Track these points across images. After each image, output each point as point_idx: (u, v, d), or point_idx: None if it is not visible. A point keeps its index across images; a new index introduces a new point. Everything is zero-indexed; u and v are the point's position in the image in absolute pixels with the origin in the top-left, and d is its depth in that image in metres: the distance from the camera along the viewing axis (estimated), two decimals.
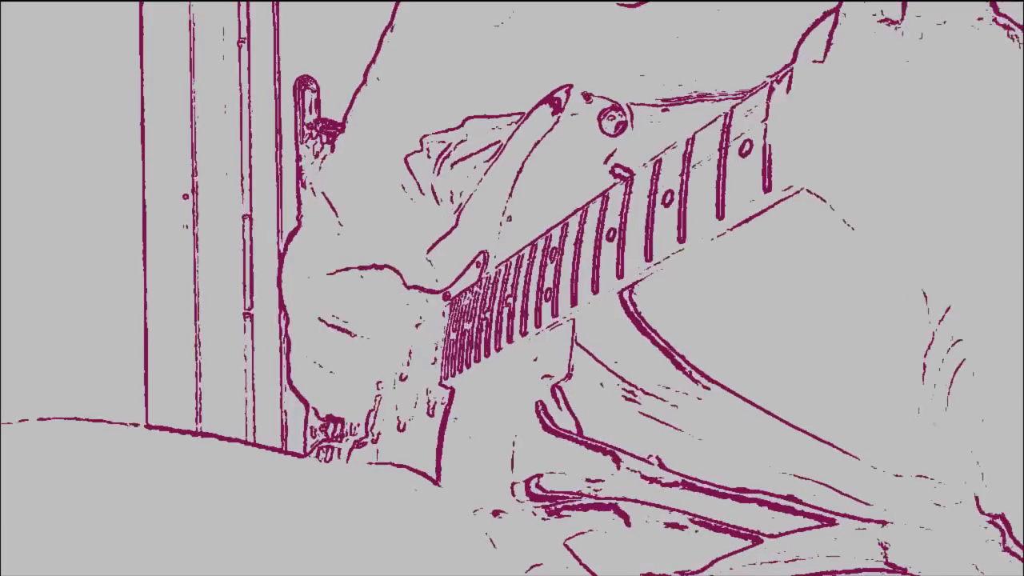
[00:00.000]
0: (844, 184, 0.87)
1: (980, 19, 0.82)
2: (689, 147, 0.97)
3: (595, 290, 1.03)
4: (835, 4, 0.91)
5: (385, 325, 1.34)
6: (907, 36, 0.82)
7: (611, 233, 1.02)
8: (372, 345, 1.36)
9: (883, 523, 0.99)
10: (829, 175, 0.87)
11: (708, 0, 1.10)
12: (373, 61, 1.41)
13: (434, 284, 1.30)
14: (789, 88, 0.87)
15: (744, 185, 0.91)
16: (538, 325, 1.08)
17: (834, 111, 0.85)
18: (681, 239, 0.96)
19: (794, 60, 0.90)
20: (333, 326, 1.39)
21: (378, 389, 1.33)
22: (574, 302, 1.05)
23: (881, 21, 0.82)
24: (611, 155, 1.09)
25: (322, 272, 1.42)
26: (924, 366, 0.97)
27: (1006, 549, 0.95)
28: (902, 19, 0.82)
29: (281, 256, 1.53)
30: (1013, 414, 0.91)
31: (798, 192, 0.89)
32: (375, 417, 1.33)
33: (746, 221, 0.92)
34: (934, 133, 0.84)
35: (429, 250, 1.31)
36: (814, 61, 0.86)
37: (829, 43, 0.85)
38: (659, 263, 0.98)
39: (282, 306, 1.48)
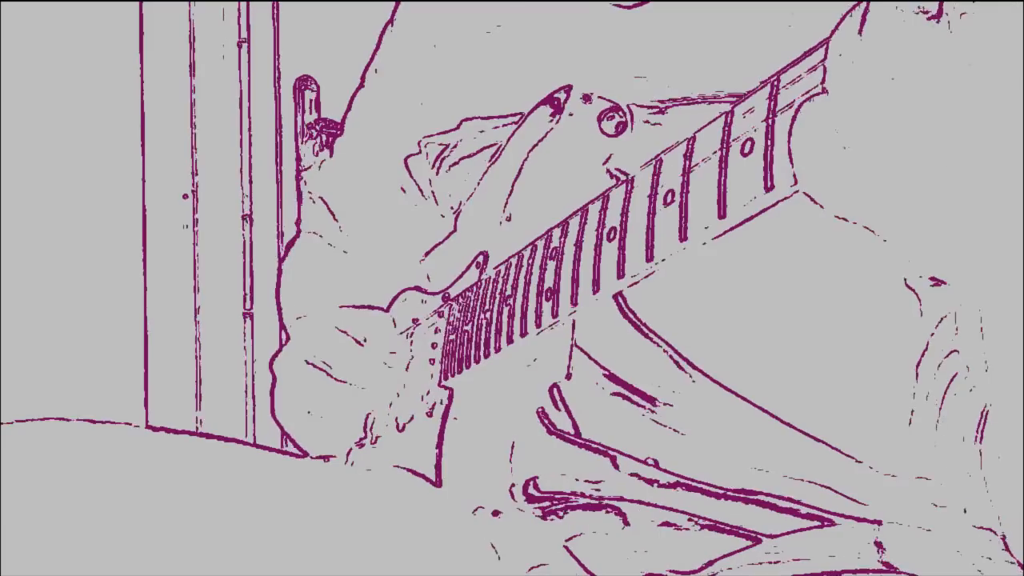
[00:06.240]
0: (845, 189, 0.87)
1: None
2: (690, 146, 0.97)
3: (596, 290, 1.03)
4: (834, 4, 0.90)
5: (370, 374, 1.33)
6: (944, 31, 0.80)
7: (611, 233, 1.02)
8: (357, 390, 1.35)
9: (880, 523, 0.99)
10: (830, 179, 0.87)
11: (707, 1, 1.09)
12: (371, 62, 1.41)
13: (430, 286, 1.30)
14: (824, 88, 0.86)
15: (745, 184, 0.91)
16: (538, 325, 1.08)
17: (859, 113, 0.84)
18: (682, 238, 0.96)
19: (808, 55, 0.89)
20: (318, 367, 1.38)
21: (366, 430, 1.32)
22: (574, 302, 1.05)
23: (919, 13, 0.81)
24: (610, 156, 1.09)
25: (320, 285, 1.42)
26: (917, 375, 0.97)
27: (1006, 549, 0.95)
28: (939, 14, 0.80)
29: (280, 260, 1.53)
30: (1007, 424, 0.91)
31: (797, 192, 0.89)
32: (374, 418, 1.33)
33: (748, 220, 0.92)
34: (941, 141, 0.83)
35: (425, 256, 1.30)
36: (844, 58, 0.85)
37: (860, 31, 0.84)
38: (660, 263, 0.98)
39: (282, 325, 1.48)
